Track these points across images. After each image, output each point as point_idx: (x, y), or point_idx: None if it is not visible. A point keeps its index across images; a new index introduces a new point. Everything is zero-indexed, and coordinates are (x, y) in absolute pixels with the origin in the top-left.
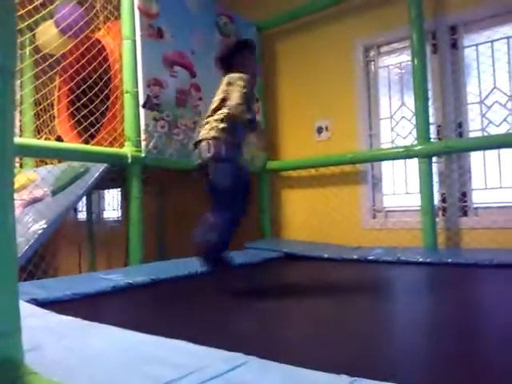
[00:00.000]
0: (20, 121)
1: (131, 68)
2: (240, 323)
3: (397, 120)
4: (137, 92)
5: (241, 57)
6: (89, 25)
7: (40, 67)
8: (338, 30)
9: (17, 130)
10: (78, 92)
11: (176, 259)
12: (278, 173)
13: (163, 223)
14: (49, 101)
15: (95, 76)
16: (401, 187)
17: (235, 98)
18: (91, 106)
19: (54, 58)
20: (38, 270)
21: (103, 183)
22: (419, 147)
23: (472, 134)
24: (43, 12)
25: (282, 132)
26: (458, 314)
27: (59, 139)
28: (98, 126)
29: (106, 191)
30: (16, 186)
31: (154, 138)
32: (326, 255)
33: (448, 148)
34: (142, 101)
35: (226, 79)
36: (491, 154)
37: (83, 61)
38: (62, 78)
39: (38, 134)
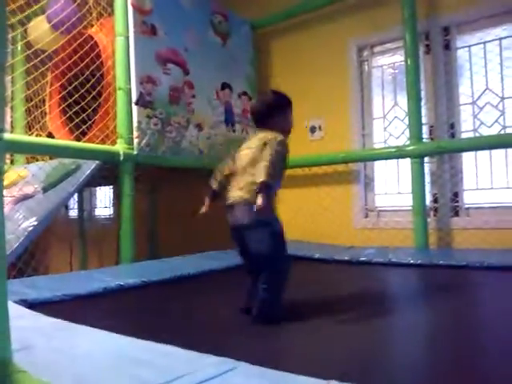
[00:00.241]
0: (11, 117)
1: (124, 65)
2: (230, 327)
3: (390, 120)
4: (129, 89)
5: (281, 115)
6: (81, 21)
7: (32, 63)
8: (332, 29)
9: (8, 126)
10: (69, 88)
11: (168, 258)
12: None
13: (155, 221)
14: (40, 97)
15: (87, 72)
16: (393, 187)
17: (264, 167)
18: (83, 103)
19: (46, 53)
20: (28, 267)
21: (95, 180)
22: (411, 147)
23: (464, 135)
24: (35, 7)
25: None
26: (449, 317)
27: (50, 136)
28: (90, 122)
29: (97, 189)
30: (6, 182)
31: (147, 135)
32: (317, 255)
33: (440, 148)
34: (134, 98)
35: (261, 138)
36: (483, 154)
37: (75, 57)
38: (53, 74)
39: (29, 130)
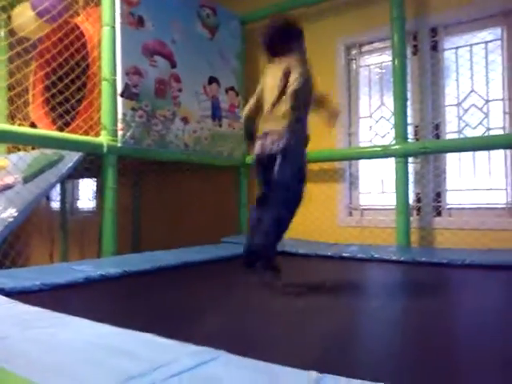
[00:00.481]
0: None
1: (110, 55)
2: (211, 318)
3: (376, 119)
4: (115, 80)
5: (298, 41)
6: (67, 9)
7: (15, 50)
8: (321, 27)
9: None
10: (54, 78)
11: (150, 252)
12: None
13: (138, 215)
14: (23, 86)
15: (72, 62)
16: (377, 186)
17: (294, 84)
18: (67, 93)
19: (30, 41)
20: (6, 259)
21: (78, 172)
22: (396, 147)
23: (449, 136)
24: None
25: None
26: (428, 312)
27: (33, 126)
28: (74, 113)
29: (80, 181)
30: None
31: (132, 127)
32: (301, 251)
33: (425, 148)
34: (119, 89)
35: (283, 66)
36: (466, 156)
37: (60, 46)
38: (37, 63)
39: (12, 119)
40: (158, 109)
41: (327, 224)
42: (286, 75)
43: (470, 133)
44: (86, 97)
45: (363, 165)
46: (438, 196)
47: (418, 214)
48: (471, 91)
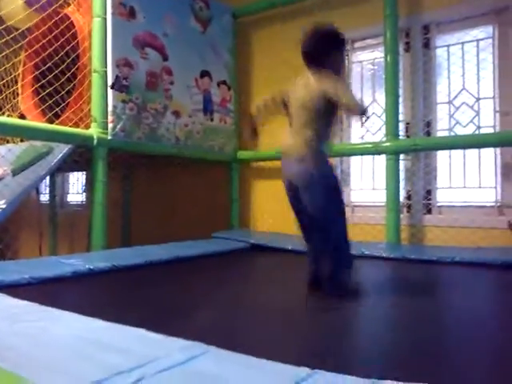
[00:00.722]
0: None
1: (100, 47)
2: (202, 313)
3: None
4: (105, 72)
5: (338, 52)
6: None
7: (3, 39)
8: (313, 22)
9: None
10: (43, 69)
11: (140, 246)
12: (249, 163)
13: (129, 209)
14: (12, 76)
15: (62, 53)
16: (368, 183)
17: (349, 96)
18: (57, 84)
19: (19, 31)
20: None
21: (68, 165)
22: (387, 144)
23: (439, 134)
24: None
25: None
26: (417, 309)
27: (22, 117)
28: (64, 105)
29: (70, 174)
30: None
31: (122, 120)
32: (291, 247)
33: (416, 146)
34: (110, 81)
35: (315, 78)
36: (457, 153)
37: (50, 36)
38: (27, 53)
39: (0, 110)
40: (149, 102)
41: None
42: (316, 96)
43: (460, 131)
44: (76, 88)
45: (354, 161)
46: (429, 193)
47: (408, 212)
48: (462, 89)
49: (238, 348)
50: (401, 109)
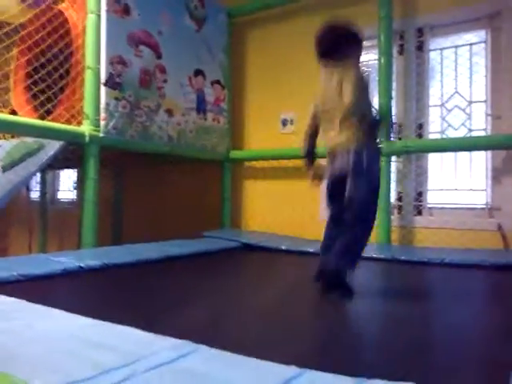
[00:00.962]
0: None
1: (94, 43)
2: (191, 312)
3: None
4: (99, 69)
5: (357, 46)
6: None
7: None
8: (308, 23)
9: None
10: (36, 65)
11: (131, 244)
12: (242, 163)
13: (120, 207)
14: (3, 71)
15: (56, 49)
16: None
17: (353, 99)
18: (50, 81)
19: (12, 26)
20: None
21: (59, 162)
22: (380, 145)
23: (431, 136)
24: None
25: (247, 121)
26: (405, 309)
27: (13, 113)
28: (56, 101)
29: (61, 171)
30: None
31: (115, 117)
32: (283, 247)
33: (407, 148)
34: (103, 78)
35: (337, 76)
36: (448, 156)
37: (43, 32)
38: (19, 49)
39: None
40: (142, 99)
41: (309, 220)
42: (341, 86)
43: (452, 133)
44: (69, 85)
45: None
46: (420, 195)
47: (399, 213)
48: (455, 92)
49: (227, 347)
50: (393, 111)
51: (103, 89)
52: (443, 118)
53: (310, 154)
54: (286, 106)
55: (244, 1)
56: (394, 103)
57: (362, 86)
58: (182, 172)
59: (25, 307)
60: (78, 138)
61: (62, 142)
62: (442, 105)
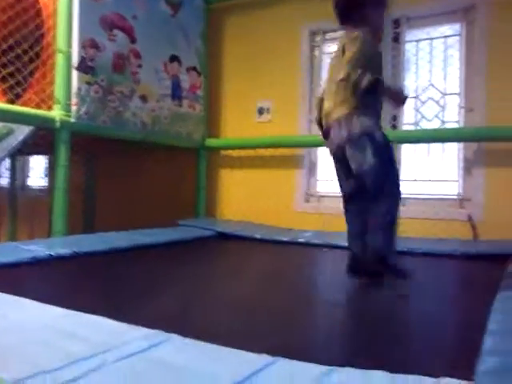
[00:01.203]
0: None
1: (66, 26)
2: (164, 301)
3: None
4: (70, 52)
5: (375, 8)
6: None
7: None
8: (287, 11)
9: None
10: (4, 47)
11: (103, 233)
12: (217, 151)
13: (93, 195)
14: None
15: (26, 31)
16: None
17: (347, 65)
18: (19, 63)
19: None
20: None
21: (29, 148)
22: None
23: (405, 127)
24: None
25: (223, 109)
26: (377, 297)
27: None
28: (26, 85)
29: (32, 157)
30: None
31: (86, 103)
32: (258, 236)
33: None
34: (75, 62)
35: (342, 40)
36: (422, 147)
37: (12, 12)
38: None
39: None
40: (116, 84)
41: (285, 209)
42: (341, 53)
43: (426, 125)
44: (40, 68)
45: (322, 152)
46: None
47: None
48: (429, 84)
49: (200, 336)
50: None
51: (75, 73)
52: (417, 110)
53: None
54: (263, 94)
55: None
56: None
57: (365, 55)
58: (156, 159)
59: None
60: (49, 123)
61: (31, 127)
62: (417, 96)
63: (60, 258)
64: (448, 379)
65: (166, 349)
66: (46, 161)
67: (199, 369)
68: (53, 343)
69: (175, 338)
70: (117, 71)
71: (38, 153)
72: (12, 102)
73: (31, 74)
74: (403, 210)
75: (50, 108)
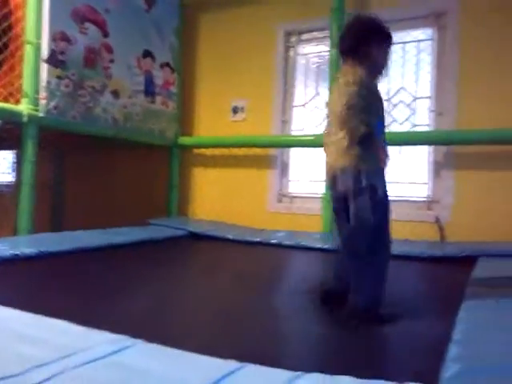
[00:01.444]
0: None
1: (35, 17)
2: (132, 304)
3: (310, 109)
4: (40, 44)
5: (379, 45)
6: None
7: None
8: (263, 11)
9: None
10: None
11: (70, 232)
12: (190, 149)
13: (61, 192)
14: None
15: None
16: (307, 174)
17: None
18: None
19: None
20: None
21: None
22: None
23: None
24: None
25: (197, 107)
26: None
27: None
28: None
29: None
30: None
31: (56, 97)
32: (230, 236)
33: None
34: (45, 55)
35: (341, 81)
36: (392, 150)
37: None
38: None
39: None
40: (87, 79)
41: (257, 210)
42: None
43: (397, 128)
44: (7, 60)
45: (294, 153)
46: None
47: None
48: (401, 88)
49: (168, 341)
50: None
51: (44, 66)
52: (389, 113)
53: None
54: (237, 93)
55: None
56: None
57: (362, 94)
58: (128, 157)
59: None
60: (16, 117)
61: None
62: (388, 100)
63: (25, 258)
64: None
65: (131, 354)
66: (13, 156)
67: (165, 375)
68: (12, 348)
69: (140, 343)
70: (88, 65)
71: (4, 147)
72: None
73: None
74: None
75: (17, 102)
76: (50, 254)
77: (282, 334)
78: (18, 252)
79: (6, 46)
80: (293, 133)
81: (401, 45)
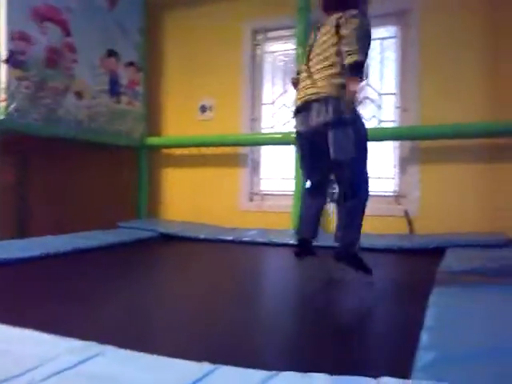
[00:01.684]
0: None
1: None
2: (100, 309)
3: (278, 106)
4: None
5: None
6: None
7: None
8: (229, 9)
9: None
10: None
11: (36, 237)
12: (159, 150)
13: (25, 197)
14: None
15: None
16: (278, 172)
17: (353, 41)
18: None
19: None
20: None
21: None
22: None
23: None
24: None
25: (164, 106)
26: (322, 295)
27: None
28: None
29: None
30: None
31: (16, 99)
32: (201, 236)
33: None
34: (3, 55)
35: (333, 20)
36: None
37: None
38: None
39: None
40: (49, 80)
41: (228, 209)
42: (336, 30)
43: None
44: None
45: (265, 151)
46: (332, 183)
47: None
48: (367, 84)
49: (138, 346)
50: None
51: (3, 67)
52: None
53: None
54: (205, 92)
55: None
56: None
57: (364, 34)
58: (95, 159)
59: None
60: None
61: None
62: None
63: None
64: (387, 378)
65: (101, 362)
66: None
67: (135, 381)
68: None
69: (110, 349)
70: (50, 66)
71: None
72: None
73: None
74: None
75: None
76: (17, 260)
77: (256, 333)
78: None
79: None
80: (263, 131)
81: None
